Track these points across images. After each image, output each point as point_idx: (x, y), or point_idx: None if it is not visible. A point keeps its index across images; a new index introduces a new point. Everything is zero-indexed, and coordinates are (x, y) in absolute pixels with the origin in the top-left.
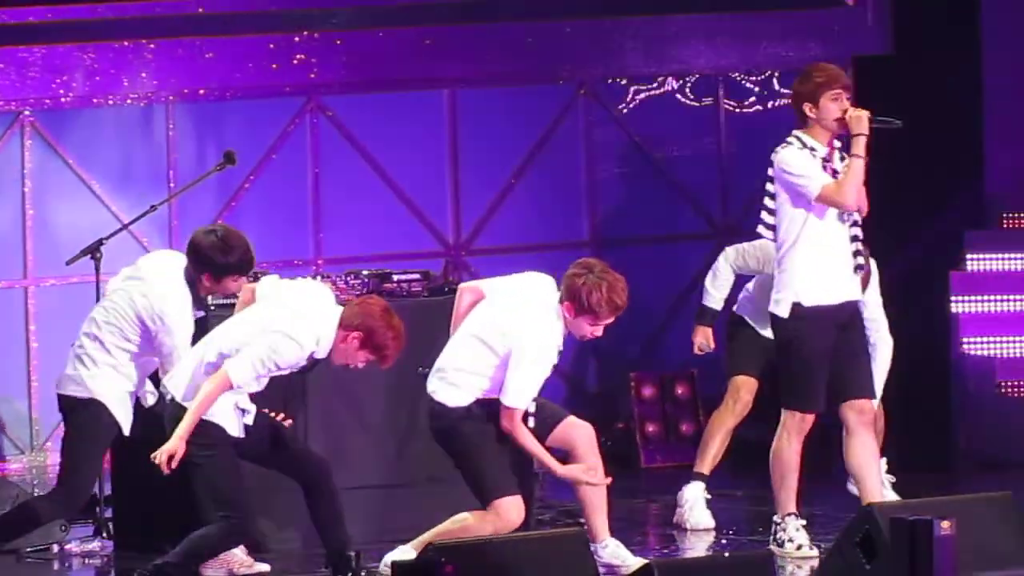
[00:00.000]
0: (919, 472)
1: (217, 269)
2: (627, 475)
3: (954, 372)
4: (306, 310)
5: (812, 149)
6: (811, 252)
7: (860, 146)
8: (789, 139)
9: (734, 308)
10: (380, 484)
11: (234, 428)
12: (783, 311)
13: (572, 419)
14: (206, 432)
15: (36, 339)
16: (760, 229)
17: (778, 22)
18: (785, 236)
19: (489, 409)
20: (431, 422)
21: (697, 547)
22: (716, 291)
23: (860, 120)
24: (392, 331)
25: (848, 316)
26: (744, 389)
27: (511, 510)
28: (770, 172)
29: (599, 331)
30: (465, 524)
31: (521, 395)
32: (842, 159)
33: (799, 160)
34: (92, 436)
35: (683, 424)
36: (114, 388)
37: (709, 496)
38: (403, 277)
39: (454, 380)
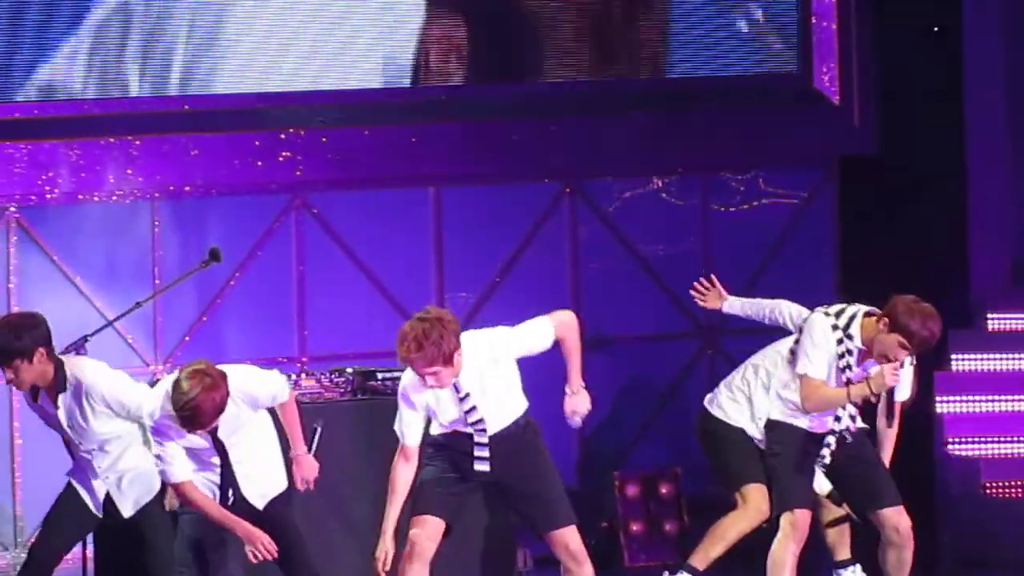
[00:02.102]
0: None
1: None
2: (611, 574)
3: (939, 472)
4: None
5: (848, 336)
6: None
7: (857, 392)
8: (845, 309)
9: (720, 415)
10: None
11: None
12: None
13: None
14: None
15: (20, 435)
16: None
17: (764, 121)
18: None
19: None
20: None
21: None
22: (750, 307)
23: (881, 385)
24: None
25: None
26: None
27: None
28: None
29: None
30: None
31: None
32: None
33: (820, 336)
34: None
35: (667, 523)
36: None
37: None
38: (388, 375)
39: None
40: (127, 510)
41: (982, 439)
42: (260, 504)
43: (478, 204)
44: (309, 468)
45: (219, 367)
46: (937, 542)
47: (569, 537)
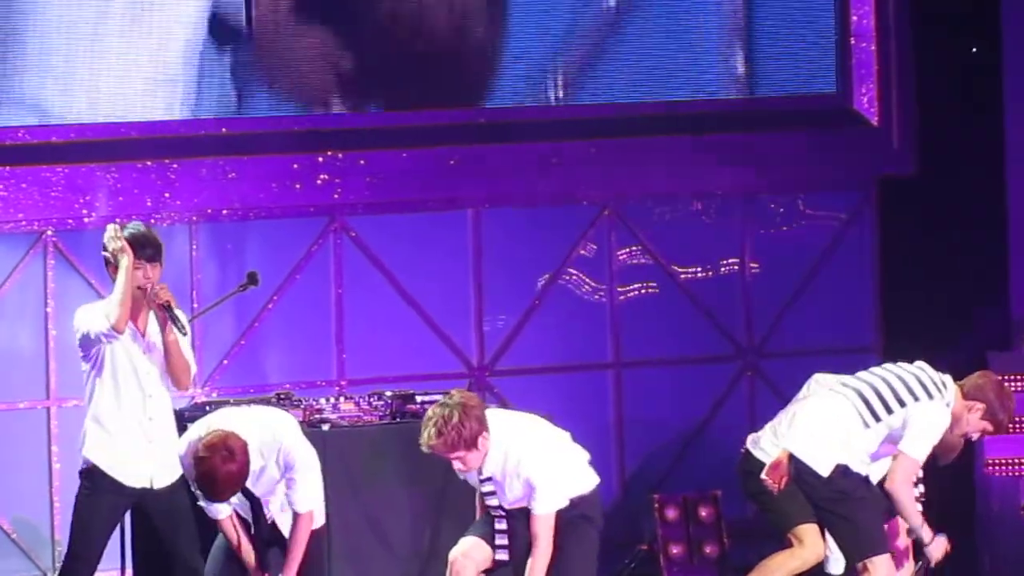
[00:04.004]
0: None
1: None
2: None
3: (979, 493)
4: None
5: None
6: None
7: (917, 528)
8: (947, 383)
9: (763, 457)
10: None
11: None
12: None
13: None
14: None
15: (59, 460)
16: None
17: (802, 142)
18: None
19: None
20: None
21: None
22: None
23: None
24: None
25: None
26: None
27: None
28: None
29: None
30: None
31: None
32: None
33: (940, 424)
34: None
35: (707, 546)
36: None
37: None
38: (426, 398)
39: None
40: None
41: (1022, 459)
42: None
43: (516, 226)
44: None
45: (267, 429)
46: (977, 564)
47: None
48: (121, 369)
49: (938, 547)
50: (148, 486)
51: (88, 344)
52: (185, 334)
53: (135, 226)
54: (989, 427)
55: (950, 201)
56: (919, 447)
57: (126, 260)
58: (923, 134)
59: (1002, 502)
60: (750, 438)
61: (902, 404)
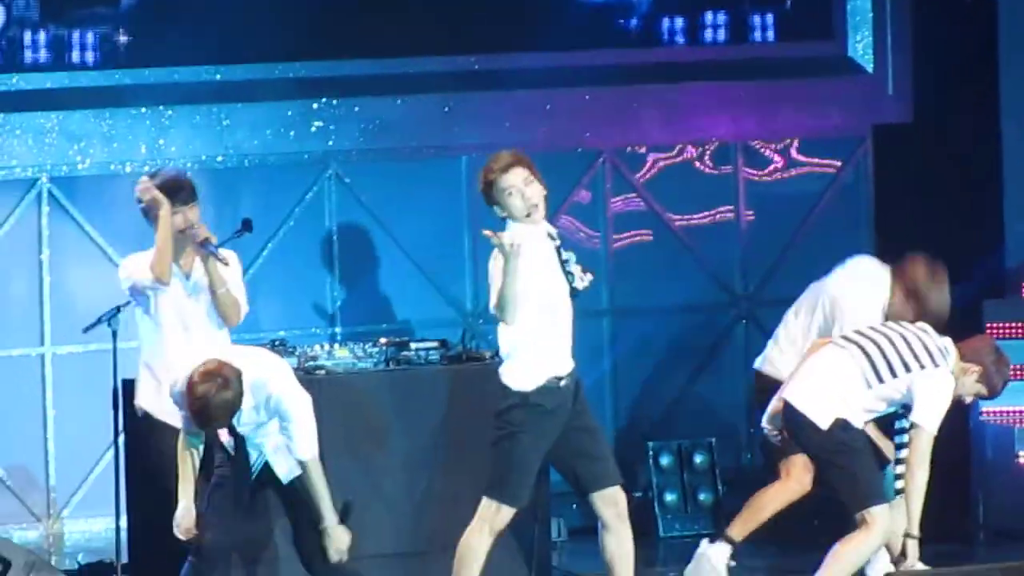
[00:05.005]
0: (937, 542)
1: None
2: (645, 544)
3: (973, 441)
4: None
5: None
6: None
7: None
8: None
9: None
10: (396, 553)
11: None
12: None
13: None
14: None
15: (54, 406)
16: None
17: (798, 90)
18: None
19: None
20: None
21: None
22: None
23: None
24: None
25: None
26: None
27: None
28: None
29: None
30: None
31: None
32: None
33: (947, 392)
34: None
35: (701, 493)
36: None
37: (733, 563)
38: (421, 345)
39: None
40: None
41: (1017, 408)
42: (284, 478)
43: None
44: (342, 539)
45: (259, 368)
46: (971, 513)
47: (620, 496)
48: (165, 313)
49: (912, 556)
50: None
51: (135, 293)
52: (227, 265)
53: (166, 172)
54: (984, 391)
55: (945, 149)
56: (932, 418)
57: (163, 210)
58: (918, 82)
59: (996, 452)
60: (757, 360)
61: (907, 369)
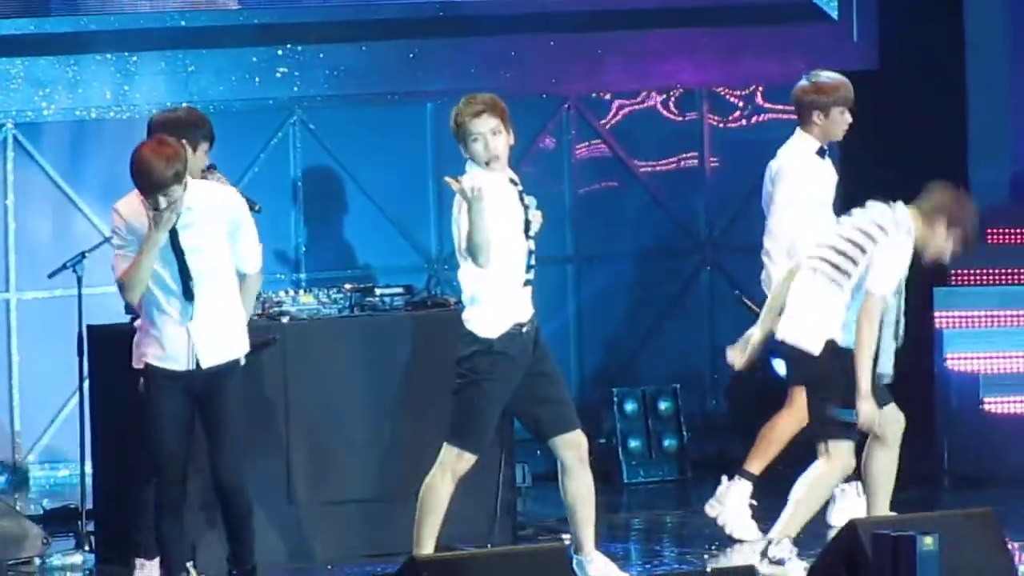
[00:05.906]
0: (902, 488)
1: None
2: (609, 491)
3: (938, 388)
4: None
5: None
6: None
7: (866, 385)
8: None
9: None
10: (361, 499)
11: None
12: None
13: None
14: None
15: (18, 352)
16: None
17: (762, 37)
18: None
19: None
20: None
21: (681, 564)
22: None
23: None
24: None
25: None
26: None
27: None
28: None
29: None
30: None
31: None
32: None
33: (901, 256)
34: None
35: (666, 439)
36: None
37: (755, 502)
38: (386, 291)
39: None
40: None
41: (982, 354)
42: (205, 363)
43: None
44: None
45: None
46: (935, 458)
47: (581, 439)
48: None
49: (867, 412)
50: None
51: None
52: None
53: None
54: (956, 245)
55: (910, 95)
56: (881, 283)
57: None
58: (883, 28)
59: (961, 398)
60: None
61: (863, 251)
